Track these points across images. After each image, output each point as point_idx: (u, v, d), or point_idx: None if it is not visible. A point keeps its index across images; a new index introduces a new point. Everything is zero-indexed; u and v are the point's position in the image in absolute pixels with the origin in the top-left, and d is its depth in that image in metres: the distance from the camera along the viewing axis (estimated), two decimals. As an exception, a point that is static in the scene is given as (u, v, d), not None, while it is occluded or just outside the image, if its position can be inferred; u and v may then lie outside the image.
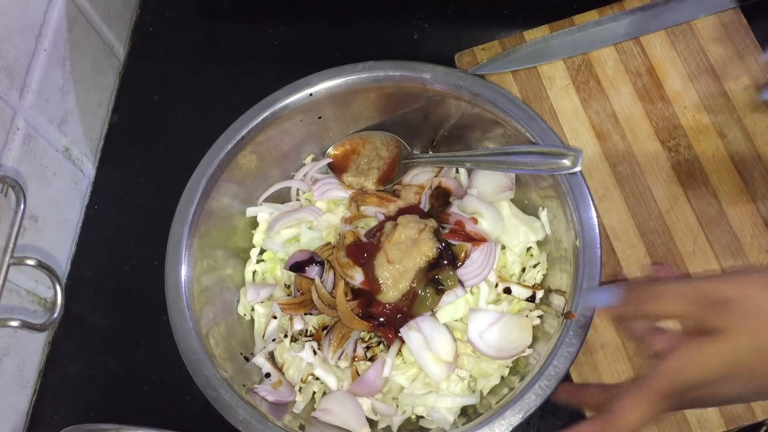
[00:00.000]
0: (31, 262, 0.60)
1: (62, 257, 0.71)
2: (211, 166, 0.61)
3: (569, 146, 0.57)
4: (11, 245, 0.58)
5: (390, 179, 0.67)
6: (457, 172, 0.67)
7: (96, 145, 0.77)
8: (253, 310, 0.65)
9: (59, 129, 0.69)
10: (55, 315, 0.61)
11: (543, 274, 0.63)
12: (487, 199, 0.64)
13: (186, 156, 0.76)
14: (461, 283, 0.60)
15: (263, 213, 0.67)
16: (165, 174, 0.76)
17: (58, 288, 0.62)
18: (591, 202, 0.56)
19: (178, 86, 0.80)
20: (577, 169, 0.55)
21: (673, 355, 0.42)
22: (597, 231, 0.55)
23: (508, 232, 0.63)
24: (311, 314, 0.63)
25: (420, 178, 0.68)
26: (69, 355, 0.68)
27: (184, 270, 0.58)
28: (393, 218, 0.63)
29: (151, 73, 0.81)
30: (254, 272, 0.67)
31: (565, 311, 0.54)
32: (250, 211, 0.67)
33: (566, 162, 0.56)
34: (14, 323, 0.58)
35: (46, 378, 0.68)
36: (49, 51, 0.67)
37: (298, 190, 0.69)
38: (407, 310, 0.59)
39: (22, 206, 0.59)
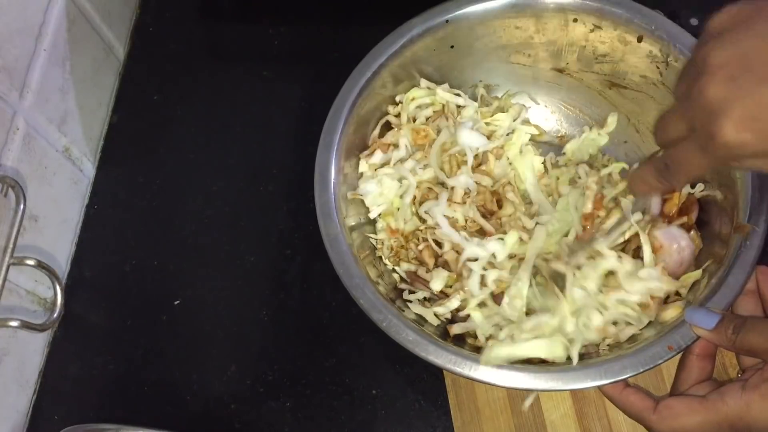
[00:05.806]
0: (31, 262, 0.60)
1: (62, 257, 0.71)
2: (352, 93, 0.60)
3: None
4: (11, 245, 0.58)
5: None
6: None
7: (96, 145, 0.77)
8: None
9: (59, 129, 0.69)
10: (55, 315, 0.61)
11: None
12: None
13: (186, 156, 0.77)
14: None
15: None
16: (165, 174, 0.76)
17: (58, 288, 0.62)
18: None
19: (178, 86, 0.80)
20: None
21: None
22: None
23: None
24: None
25: None
26: (69, 355, 0.68)
27: (333, 191, 0.58)
28: None
29: (151, 73, 0.81)
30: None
31: (735, 224, 0.51)
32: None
33: None
34: (14, 323, 0.58)
35: (46, 378, 0.68)
36: (49, 51, 0.67)
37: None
38: None
39: (22, 206, 0.59)
